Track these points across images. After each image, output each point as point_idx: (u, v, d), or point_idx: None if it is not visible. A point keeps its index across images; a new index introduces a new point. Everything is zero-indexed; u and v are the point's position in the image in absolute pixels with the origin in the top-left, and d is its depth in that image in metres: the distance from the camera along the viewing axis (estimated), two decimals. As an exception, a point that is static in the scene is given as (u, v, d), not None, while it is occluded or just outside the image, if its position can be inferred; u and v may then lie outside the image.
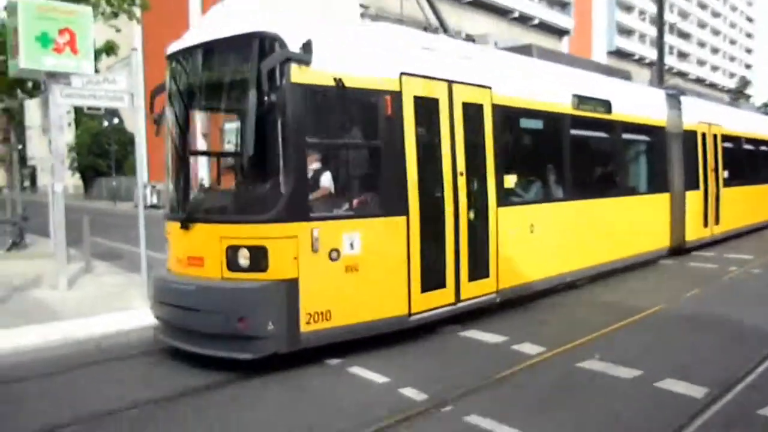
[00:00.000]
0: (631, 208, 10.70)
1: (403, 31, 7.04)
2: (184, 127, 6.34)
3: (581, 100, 9.46)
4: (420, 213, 6.66)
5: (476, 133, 7.55)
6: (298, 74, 5.77)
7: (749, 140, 16.18)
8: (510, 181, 8.02)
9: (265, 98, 5.67)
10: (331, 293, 6.03)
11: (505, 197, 7.92)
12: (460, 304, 7.22)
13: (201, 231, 6.08)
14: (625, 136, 10.69)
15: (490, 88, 7.67)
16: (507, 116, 8.01)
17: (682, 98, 12.86)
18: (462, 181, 7.21)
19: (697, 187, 12.99)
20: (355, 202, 6.27)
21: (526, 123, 8.61)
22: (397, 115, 6.43)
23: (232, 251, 5.81)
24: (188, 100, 6.32)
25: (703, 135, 13.22)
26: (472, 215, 7.38)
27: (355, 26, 6.81)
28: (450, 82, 7.10)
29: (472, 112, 7.46)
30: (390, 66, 6.45)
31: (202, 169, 6.23)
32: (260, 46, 5.79)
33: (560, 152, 9.15)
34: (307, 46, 5.79)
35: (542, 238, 8.50)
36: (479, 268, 7.53)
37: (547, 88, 8.79)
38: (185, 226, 6.15)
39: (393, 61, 6.51)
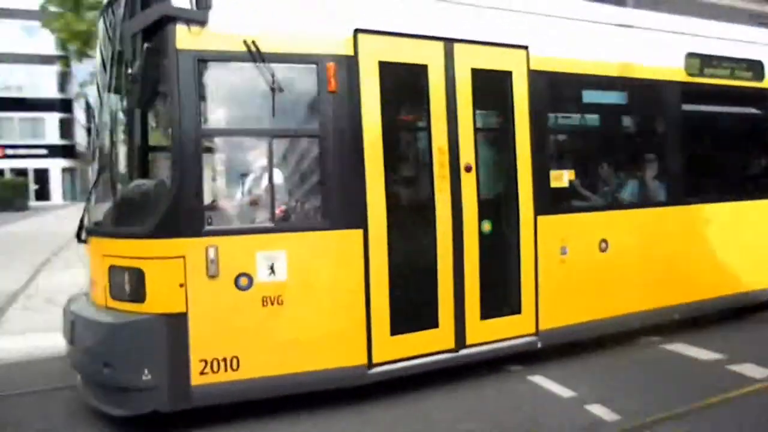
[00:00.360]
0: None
1: None
2: (92, 114, 5.17)
3: (704, 62, 6.63)
4: (389, 224, 4.78)
5: (498, 113, 5.46)
6: (186, 38, 4.25)
7: None
8: (560, 178, 5.68)
9: (143, 72, 4.23)
10: (240, 334, 4.44)
11: (553, 201, 5.62)
12: (465, 351, 5.17)
13: (92, 246, 4.87)
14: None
15: (525, 48, 5.43)
16: (559, 87, 5.69)
17: None
18: (469, 179, 5.14)
19: None
20: (278, 210, 4.59)
21: (596, 96, 6.07)
22: (347, 90, 4.61)
23: (114, 273, 4.49)
24: (97, 78, 5.14)
25: None
26: (487, 227, 5.27)
27: None
28: (449, 41, 5.07)
29: (492, 83, 5.35)
30: (338, 19, 4.66)
31: (100, 167, 4.99)
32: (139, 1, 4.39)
33: (664, 136, 6.47)
34: (200, -2, 4.26)
35: (624, 259, 6.00)
36: (502, 301, 5.42)
37: (638, 47, 6.18)
38: (79, 238, 4.99)
39: (343, 13, 4.70)
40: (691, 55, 6.51)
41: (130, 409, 4.34)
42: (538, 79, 5.48)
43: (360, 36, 4.68)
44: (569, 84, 5.80)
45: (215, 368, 4.36)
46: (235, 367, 4.41)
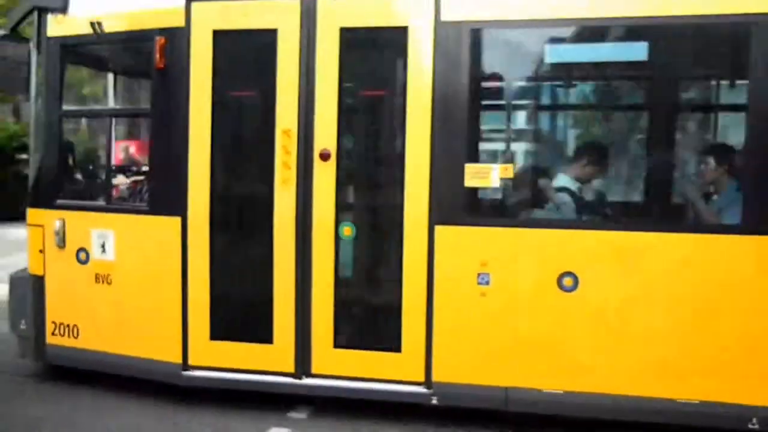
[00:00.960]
0: None
1: None
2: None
3: None
4: (213, 216, 4.24)
5: (382, 85, 4.14)
6: (54, 26, 4.61)
7: None
8: (484, 174, 3.91)
9: (29, 61, 4.80)
10: (80, 305, 4.68)
11: (466, 207, 3.96)
12: (310, 381, 4.21)
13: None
14: None
15: (434, -8, 3.92)
16: (496, 44, 3.92)
17: None
18: (326, 170, 4.08)
19: None
20: (114, 189, 4.57)
21: (576, 53, 3.85)
22: (176, 65, 4.23)
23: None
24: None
25: None
26: (348, 231, 4.11)
27: None
28: (309, -4, 4.08)
29: (373, 46, 4.09)
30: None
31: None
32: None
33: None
34: (60, -12, 4.56)
35: (609, 306, 3.81)
36: (370, 331, 4.21)
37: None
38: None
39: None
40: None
41: (19, 354, 5.06)
42: (456, 35, 3.88)
43: (193, 4, 4.21)
44: (519, 37, 3.91)
45: (62, 332, 4.72)
46: (75, 335, 4.68)
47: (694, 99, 4.69)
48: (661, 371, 3.75)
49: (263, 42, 4.16)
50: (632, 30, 3.79)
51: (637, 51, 3.80)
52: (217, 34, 4.18)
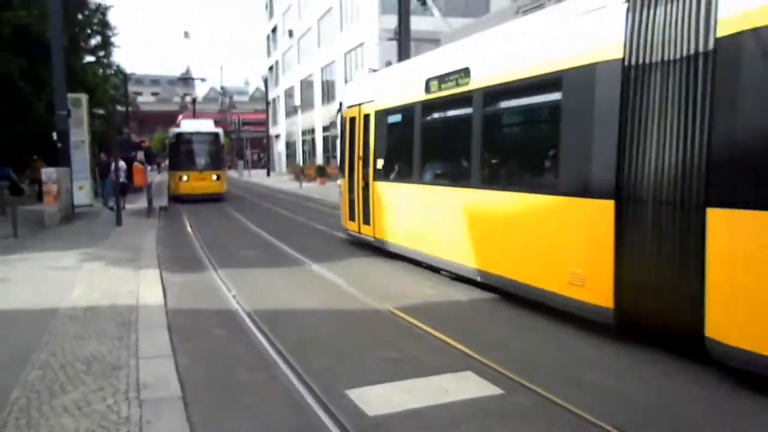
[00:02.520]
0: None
1: (357, 83, 12.51)
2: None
3: (432, 83, 9.06)
4: (348, 176, 12.80)
5: (366, 132, 11.72)
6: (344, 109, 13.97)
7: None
8: (379, 163, 11.10)
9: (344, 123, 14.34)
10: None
11: (378, 174, 11.25)
12: (360, 235, 12.31)
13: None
14: (493, 107, 7.52)
15: (373, 101, 11.36)
16: (385, 118, 11.01)
17: None
18: (359, 162, 12.08)
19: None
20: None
21: (392, 119, 10.39)
22: (342, 127, 12.94)
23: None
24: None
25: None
26: (363, 183, 11.96)
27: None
28: (359, 105, 12.09)
29: (366, 119, 11.74)
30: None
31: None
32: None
33: (413, 140, 9.72)
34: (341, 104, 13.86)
35: (400, 210, 10.53)
36: (366, 217, 11.91)
37: (406, 86, 9.98)
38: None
39: (349, 99, 12.91)
40: (427, 80, 9.31)
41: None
42: (378, 115, 11.26)
43: (346, 108, 12.82)
44: (387, 115, 10.89)
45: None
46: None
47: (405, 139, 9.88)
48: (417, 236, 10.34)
49: (353, 119, 12.42)
50: (400, 110, 10.30)
51: (402, 117, 10.36)
52: (348, 117, 12.69)
